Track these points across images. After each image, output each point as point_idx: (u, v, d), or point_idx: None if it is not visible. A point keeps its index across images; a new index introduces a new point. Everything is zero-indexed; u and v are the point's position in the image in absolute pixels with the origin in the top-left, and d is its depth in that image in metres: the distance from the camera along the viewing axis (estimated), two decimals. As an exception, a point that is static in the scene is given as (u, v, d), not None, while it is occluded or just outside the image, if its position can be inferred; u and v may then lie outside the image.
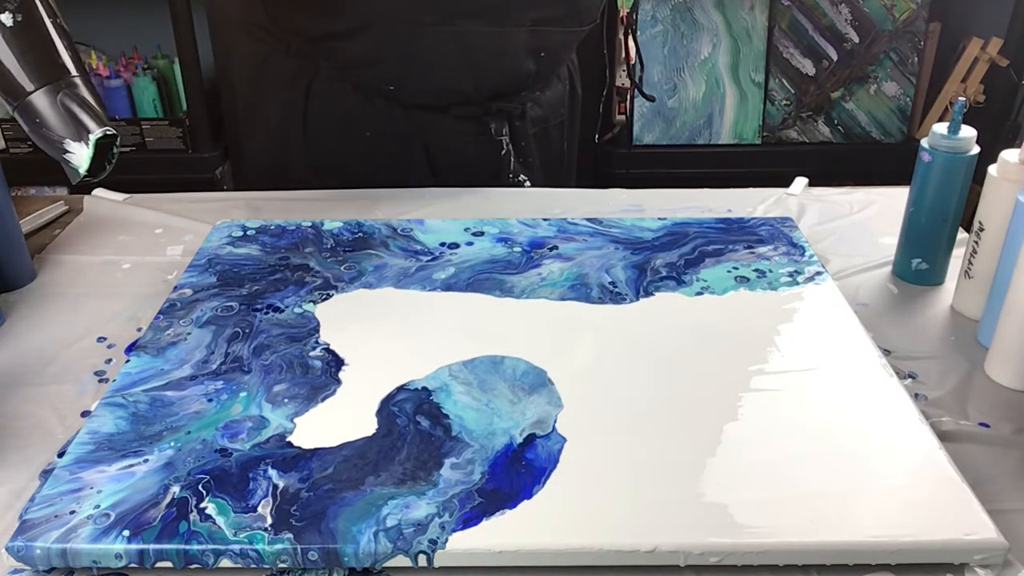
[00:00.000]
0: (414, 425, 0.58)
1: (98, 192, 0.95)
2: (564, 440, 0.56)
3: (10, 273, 0.77)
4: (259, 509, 0.51)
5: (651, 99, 1.73)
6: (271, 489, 0.52)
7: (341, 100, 0.95)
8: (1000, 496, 0.54)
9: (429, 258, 0.78)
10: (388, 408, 0.60)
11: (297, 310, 0.71)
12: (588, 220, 0.84)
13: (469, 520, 0.50)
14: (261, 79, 0.97)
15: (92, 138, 0.54)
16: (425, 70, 0.92)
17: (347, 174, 0.95)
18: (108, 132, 0.54)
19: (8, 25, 0.53)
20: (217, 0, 1.08)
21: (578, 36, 0.97)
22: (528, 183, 1.02)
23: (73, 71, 0.56)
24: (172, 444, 0.56)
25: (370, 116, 0.95)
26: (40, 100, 0.54)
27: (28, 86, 0.54)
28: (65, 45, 0.56)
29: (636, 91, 1.75)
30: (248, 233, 0.83)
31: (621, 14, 1.40)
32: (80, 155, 0.54)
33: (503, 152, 0.98)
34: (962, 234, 0.80)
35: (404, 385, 0.62)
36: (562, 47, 0.99)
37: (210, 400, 0.60)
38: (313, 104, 0.95)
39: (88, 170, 0.55)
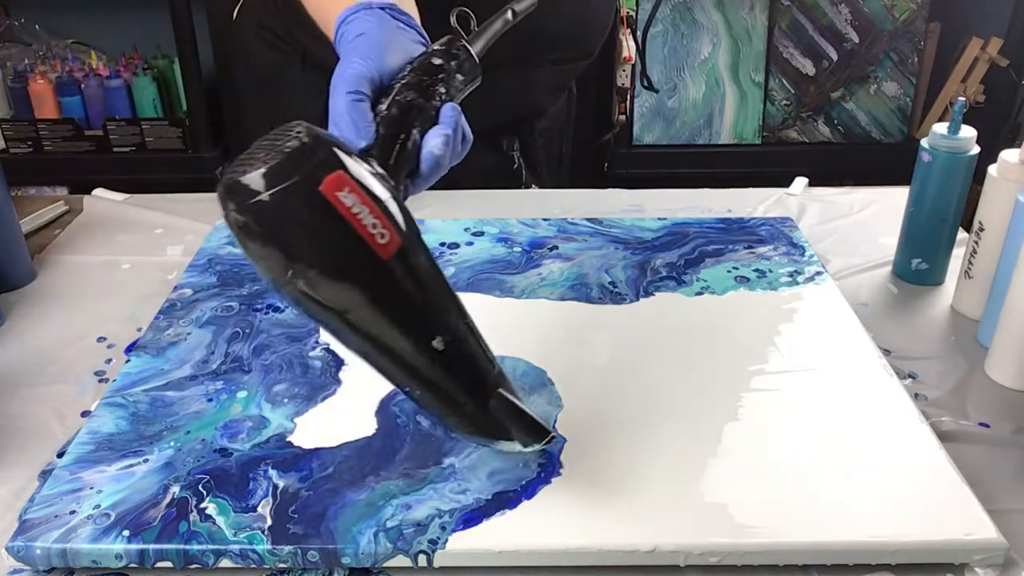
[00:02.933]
0: (414, 425, 0.58)
1: (98, 192, 0.95)
2: (564, 440, 0.56)
3: (10, 273, 0.77)
4: (259, 509, 0.51)
5: (655, 90, 1.73)
6: (271, 489, 0.52)
7: None
8: (1000, 496, 0.54)
9: (429, 258, 0.78)
10: (388, 408, 0.60)
11: (297, 310, 0.71)
12: (588, 220, 0.84)
13: (469, 520, 0.50)
14: (275, 88, 0.96)
15: (536, 447, 0.52)
16: None
17: None
18: (552, 438, 0.52)
19: (440, 350, 0.48)
20: (219, 6, 1.08)
21: (587, 64, 0.99)
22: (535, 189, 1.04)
23: (494, 367, 0.52)
24: (172, 444, 0.56)
25: None
26: (476, 412, 0.51)
27: (460, 402, 0.50)
28: (480, 340, 0.52)
29: (641, 84, 1.75)
30: (248, 233, 0.82)
31: (621, 14, 1.39)
32: (509, 447, 0.52)
33: (515, 166, 0.99)
34: (962, 234, 0.80)
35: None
36: (572, 77, 1.02)
37: (210, 400, 0.60)
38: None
39: None
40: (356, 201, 0.43)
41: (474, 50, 0.57)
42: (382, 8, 0.59)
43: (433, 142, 0.52)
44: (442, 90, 0.53)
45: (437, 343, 0.48)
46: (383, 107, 0.52)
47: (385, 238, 0.44)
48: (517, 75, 0.91)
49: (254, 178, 0.42)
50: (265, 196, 0.42)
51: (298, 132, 0.44)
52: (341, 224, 0.43)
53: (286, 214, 0.43)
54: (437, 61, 0.54)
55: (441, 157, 0.52)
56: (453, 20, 0.59)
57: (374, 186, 0.45)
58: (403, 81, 0.53)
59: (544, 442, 0.52)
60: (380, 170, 0.48)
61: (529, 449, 0.52)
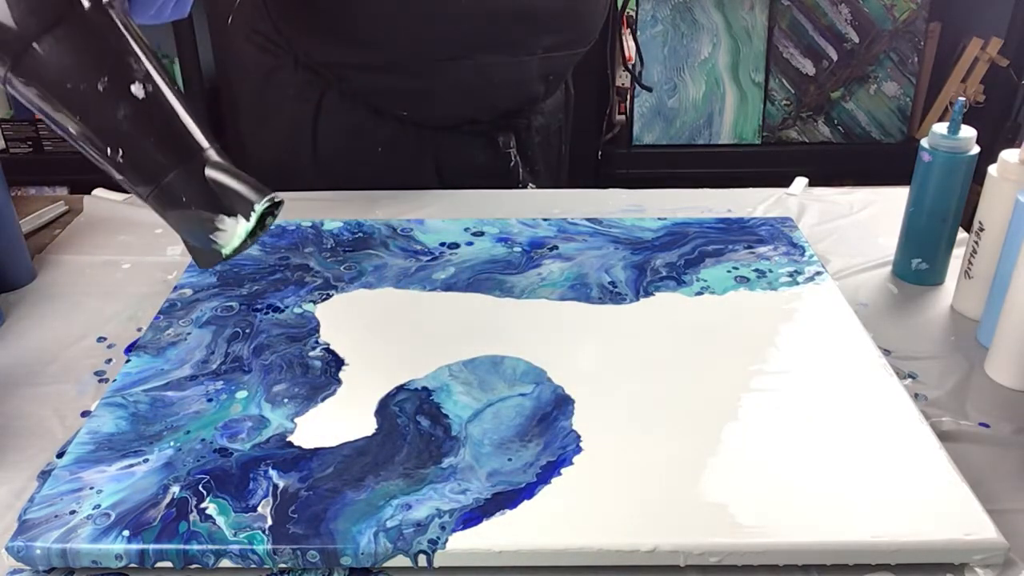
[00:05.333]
0: (414, 425, 0.58)
1: (98, 192, 0.95)
2: (565, 440, 0.56)
3: (10, 273, 0.77)
4: (259, 509, 0.51)
5: (648, 89, 1.73)
6: (271, 489, 0.53)
7: (351, 116, 0.95)
8: (1000, 496, 0.54)
9: (429, 258, 0.78)
10: (388, 408, 0.60)
11: (297, 310, 0.71)
12: (588, 220, 0.84)
13: (469, 520, 0.50)
14: (268, 91, 0.96)
15: (258, 208, 0.48)
16: (440, 99, 0.93)
17: (355, 186, 0.95)
18: (276, 199, 0.48)
19: (140, 98, 0.47)
20: (218, 5, 1.08)
21: (582, 54, 0.99)
22: (533, 188, 1.03)
23: (206, 144, 0.49)
24: (172, 444, 0.56)
25: (381, 132, 0.96)
26: (182, 178, 0.48)
27: (167, 166, 0.48)
28: (192, 115, 0.50)
29: (635, 84, 1.76)
30: (248, 233, 0.82)
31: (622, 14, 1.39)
32: (232, 231, 0.48)
33: (512, 164, 0.99)
34: (962, 234, 0.80)
35: (404, 385, 0.62)
36: (568, 68, 1.01)
37: (210, 400, 0.60)
38: (323, 119, 0.95)
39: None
40: None
41: None
42: None
43: None
44: None
45: (137, 88, 0.47)
46: None
47: None
48: (509, 61, 0.91)
49: None
50: None
51: None
52: None
53: None
54: None
55: None
56: None
57: None
58: None
59: (265, 202, 0.48)
60: None
61: (251, 220, 0.48)
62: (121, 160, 0.49)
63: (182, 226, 0.51)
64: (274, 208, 0.49)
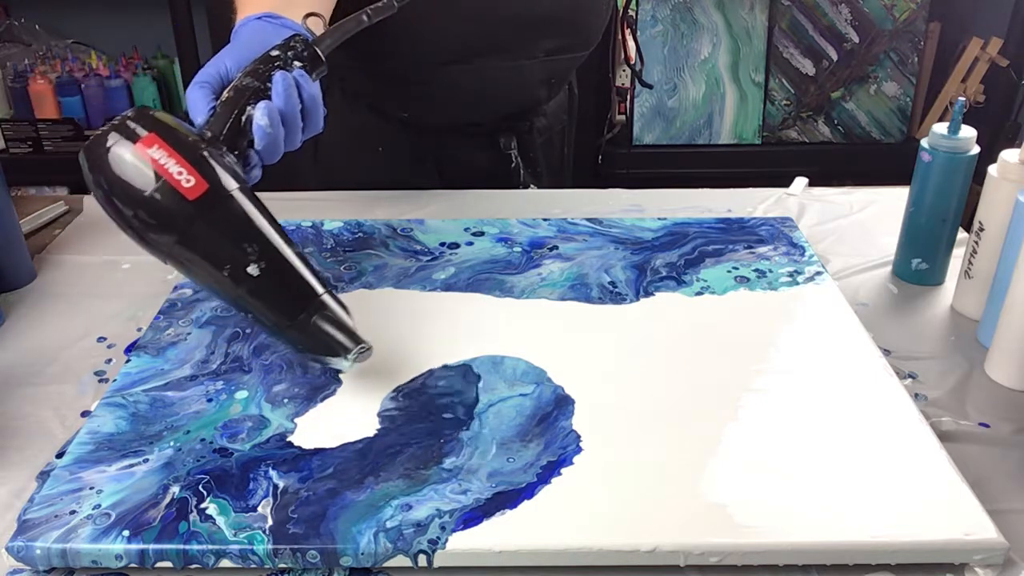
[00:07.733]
0: (415, 425, 0.58)
1: (98, 192, 0.94)
2: (565, 440, 0.56)
3: (10, 273, 0.77)
4: (259, 509, 0.51)
5: (649, 86, 1.74)
6: (271, 489, 0.52)
7: (352, 116, 0.95)
8: (1000, 496, 0.54)
9: (429, 258, 0.78)
10: (389, 408, 0.59)
11: (297, 310, 0.71)
12: (588, 220, 0.84)
13: (469, 520, 0.50)
14: None
15: (350, 357, 0.59)
16: (441, 103, 0.93)
17: (355, 186, 0.95)
18: (363, 348, 0.59)
19: (255, 275, 0.57)
20: (219, 6, 1.08)
21: (584, 57, 0.98)
22: (535, 189, 1.03)
23: (319, 290, 0.59)
24: (172, 444, 0.56)
25: (382, 132, 0.95)
26: (295, 331, 0.59)
27: (284, 320, 0.59)
28: (307, 268, 0.60)
29: (635, 83, 1.75)
30: (248, 233, 0.82)
31: (621, 14, 1.39)
32: (340, 364, 0.60)
33: (512, 165, 0.99)
34: (962, 234, 0.80)
35: (405, 385, 0.62)
36: (570, 70, 1.01)
37: (210, 400, 0.60)
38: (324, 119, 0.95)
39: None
40: (164, 155, 0.55)
41: (321, 46, 0.65)
42: (259, 18, 0.67)
43: (256, 115, 0.59)
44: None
45: (252, 269, 0.57)
46: (225, 92, 0.61)
47: (191, 183, 0.55)
48: (510, 65, 0.91)
49: (101, 133, 0.57)
50: (102, 142, 0.57)
51: (133, 109, 0.59)
52: (147, 167, 0.55)
53: (115, 160, 0.56)
54: (274, 52, 0.62)
55: (265, 126, 0.59)
56: (302, 22, 0.67)
57: (185, 145, 0.57)
58: (244, 70, 0.61)
59: (356, 351, 0.59)
60: (206, 137, 0.59)
61: (349, 361, 0.59)
62: (251, 319, 0.60)
63: (309, 354, 0.62)
64: (363, 352, 0.60)
